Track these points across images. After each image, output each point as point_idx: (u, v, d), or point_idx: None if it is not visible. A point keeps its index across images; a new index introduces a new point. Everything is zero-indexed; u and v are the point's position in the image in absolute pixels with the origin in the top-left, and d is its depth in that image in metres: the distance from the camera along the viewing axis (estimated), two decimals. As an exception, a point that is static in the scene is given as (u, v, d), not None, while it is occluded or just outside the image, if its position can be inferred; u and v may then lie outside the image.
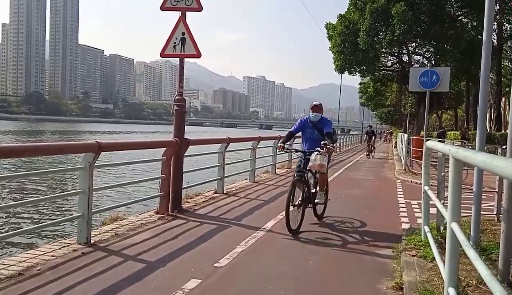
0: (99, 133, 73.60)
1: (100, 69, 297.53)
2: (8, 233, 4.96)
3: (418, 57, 26.88)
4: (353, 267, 4.64)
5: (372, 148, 24.05)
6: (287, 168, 14.79)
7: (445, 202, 4.84)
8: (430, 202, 4.99)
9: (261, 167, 13.00)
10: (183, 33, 6.92)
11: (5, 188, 15.21)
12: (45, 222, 8.53)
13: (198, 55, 6.96)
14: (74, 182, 17.50)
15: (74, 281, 3.87)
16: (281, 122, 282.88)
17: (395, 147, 30.43)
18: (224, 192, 9.12)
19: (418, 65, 24.35)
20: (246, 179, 11.33)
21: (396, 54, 26.15)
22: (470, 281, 3.67)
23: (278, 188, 10.34)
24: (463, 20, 23.38)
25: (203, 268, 4.34)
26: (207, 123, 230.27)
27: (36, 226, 5.82)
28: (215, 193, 8.99)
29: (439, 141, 8.99)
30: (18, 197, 14.00)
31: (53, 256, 4.52)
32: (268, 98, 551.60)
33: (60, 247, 4.86)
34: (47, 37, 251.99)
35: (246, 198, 8.73)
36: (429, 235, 4.58)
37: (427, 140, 7.39)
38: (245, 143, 11.70)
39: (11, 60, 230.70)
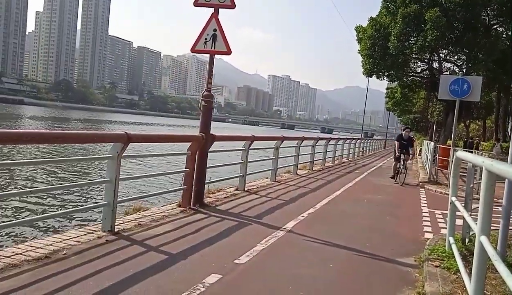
0: (124, 123, 74.79)
1: (127, 61, 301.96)
2: (38, 217, 5.10)
3: (449, 65, 26.35)
4: (374, 274, 4.60)
5: (403, 168, 13.46)
6: (309, 169, 14.73)
7: (472, 213, 4.75)
8: (457, 213, 4.91)
9: (283, 167, 12.98)
10: (215, 30, 6.96)
11: (35, 173, 15.63)
12: (72, 208, 8.75)
13: (228, 52, 6.99)
14: (94, 171, 17.87)
15: (98, 267, 3.96)
16: (303, 122, 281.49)
17: (419, 155, 29.91)
18: (245, 189, 9.15)
19: (448, 73, 23.85)
20: (267, 178, 11.34)
21: (426, 60, 25.68)
22: (496, 297, 3.59)
23: (299, 189, 10.31)
24: (498, 29, 22.78)
25: (224, 264, 4.37)
26: (230, 119, 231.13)
27: (64, 211, 5.97)
28: (237, 189, 9.03)
29: (465, 150, 8.76)
30: (46, 182, 14.39)
31: (78, 242, 4.63)
32: (292, 98, 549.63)
33: (85, 233, 4.97)
34: (79, 26, 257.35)
35: (267, 197, 8.74)
36: (453, 246, 4.50)
37: (455, 150, 7.25)
38: (268, 142, 11.71)
39: (42, 47, 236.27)
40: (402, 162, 13.42)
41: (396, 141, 13.87)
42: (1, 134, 3.95)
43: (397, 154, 13.53)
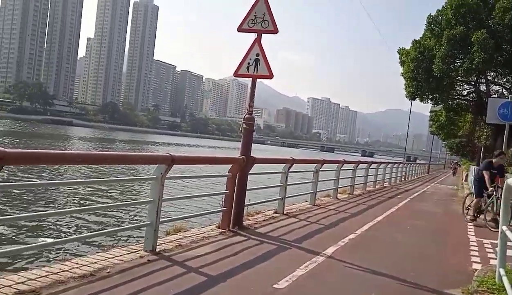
0: (166, 145, 76.72)
1: (171, 84, 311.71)
2: (84, 235, 5.29)
3: (497, 88, 25.46)
4: (418, 305, 4.42)
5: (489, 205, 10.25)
6: (349, 193, 14.48)
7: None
8: (508, 243, 4.67)
9: (323, 190, 12.83)
10: (258, 55, 7.09)
11: (83, 192, 16.26)
12: (116, 227, 9.03)
13: (270, 76, 7.09)
14: (134, 191, 18.35)
15: (140, 287, 4.04)
16: (343, 145, 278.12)
17: (466, 180, 28.74)
18: (284, 212, 9.10)
19: (497, 96, 23.02)
20: (306, 201, 11.24)
21: (473, 83, 24.96)
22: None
23: (339, 213, 10.14)
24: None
25: (263, 288, 4.34)
26: (269, 141, 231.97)
27: (108, 230, 6.18)
28: (275, 212, 8.99)
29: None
30: (93, 201, 14.92)
31: (122, 260, 4.75)
32: (332, 120, 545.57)
33: (128, 252, 5.09)
34: (126, 51, 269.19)
35: (306, 221, 8.65)
36: (504, 278, 4.27)
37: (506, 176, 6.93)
38: (308, 165, 11.63)
39: (92, 72, 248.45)
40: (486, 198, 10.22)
41: (485, 172, 9.85)
42: (57, 156, 4.18)
43: (489, 188, 9.84)
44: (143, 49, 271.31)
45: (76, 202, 14.62)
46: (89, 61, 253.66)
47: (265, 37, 7.13)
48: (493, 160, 10.15)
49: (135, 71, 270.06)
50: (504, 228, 4.61)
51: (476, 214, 10.52)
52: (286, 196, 9.31)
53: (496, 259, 4.99)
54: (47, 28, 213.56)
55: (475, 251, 7.34)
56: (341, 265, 5.57)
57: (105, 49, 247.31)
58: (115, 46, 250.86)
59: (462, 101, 28.17)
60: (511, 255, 5.05)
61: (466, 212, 11.16)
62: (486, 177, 9.81)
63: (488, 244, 7.93)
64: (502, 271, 4.54)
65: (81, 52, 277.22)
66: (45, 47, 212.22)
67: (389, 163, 22.78)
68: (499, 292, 4.40)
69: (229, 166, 7.04)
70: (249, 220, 7.86)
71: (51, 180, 17.67)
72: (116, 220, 12.13)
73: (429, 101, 26.37)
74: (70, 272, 4.23)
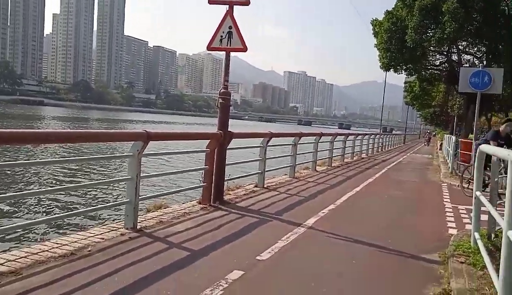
0: (143, 123, 75.56)
1: (143, 60, 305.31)
2: (62, 214, 5.20)
3: (468, 57, 25.92)
4: (398, 270, 4.55)
5: None
6: (328, 165, 14.65)
7: (498, 208, 4.66)
8: (482, 208, 4.81)
9: (301, 163, 12.93)
10: (230, 27, 6.95)
11: (57, 173, 15.94)
12: (95, 205, 8.91)
13: (244, 49, 6.98)
14: (114, 170, 18.14)
15: (122, 264, 4.01)
16: (320, 119, 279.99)
17: (440, 149, 29.49)
18: (265, 186, 9.14)
19: (468, 65, 23.43)
20: (285, 174, 11.32)
21: (445, 53, 25.31)
22: (525, 293, 3.51)
23: (318, 185, 10.26)
24: (519, 19, 22.25)
25: (246, 260, 4.37)
26: (246, 117, 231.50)
27: (87, 209, 6.09)
28: (256, 186, 9.02)
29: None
30: (69, 181, 14.68)
31: (102, 239, 4.70)
32: (308, 94, 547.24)
33: (109, 230, 5.03)
34: (95, 28, 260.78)
35: (286, 193, 8.72)
36: (479, 242, 4.42)
37: (479, 144, 7.10)
38: (286, 138, 11.66)
39: (60, 49, 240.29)
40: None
41: (492, 142, 8.56)
42: (30, 135, 4.04)
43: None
44: (112, 25, 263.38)
45: (54, 182, 14.37)
46: (56, 39, 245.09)
47: (239, 11, 7.00)
48: (500, 129, 9.32)
49: (106, 47, 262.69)
50: (478, 193, 4.75)
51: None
52: (266, 169, 9.35)
53: (471, 224, 5.15)
54: (9, 4, 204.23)
55: (451, 217, 7.57)
56: (322, 235, 5.66)
57: (73, 25, 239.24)
58: (82, 21, 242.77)
59: (435, 71, 28.59)
60: (485, 220, 5.21)
61: (466, 186, 10.22)
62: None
63: (463, 209, 8.18)
64: (476, 235, 4.70)
65: (47, 29, 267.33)
66: (8, 24, 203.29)
67: (366, 134, 23.08)
68: (474, 254, 4.56)
69: (207, 141, 6.99)
70: (229, 194, 7.87)
71: (27, 160, 17.24)
72: (95, 199, 11.98)
73: (403, 72, 26.66)
74: (50, 252, 4.15)
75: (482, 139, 9.79)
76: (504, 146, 8.50)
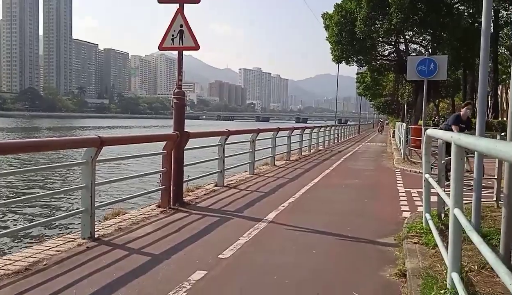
0: (96, 129, 73.34)
1: (94, 64, 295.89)
2: (14, 229, 4.98)
3: (415, 46, 26.86)
4: (356, 256, 4.69)
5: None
6: (286, 160, 14.83)
7: (446, 189, 4.90)
8: (431, 190, 5.04)
9: (260, 159, 13.03)
10: (181, 26, 6.90)
11: (6, 185, 15.21)
12: (49, 216, 8.58)
13: (196, 47, 6.95)
14: (70, 178, 17.54)
15: (80, 275, 3.91)
16: (278, 114, 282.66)
17: (393, 137, 30.51)
18: (225, 184, 9.15)
19: (415, 54, 24.34)
20: (245, 171, 11.37)
21: (393, 43, 26.12)
22: (472, 266, 3.72)
23: (278, 180, 10.38)
24: (460, 8, 23.32)
25: (208, 260, 4.37)
26: (204, 116, 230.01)
27: (40, 221, 5.86)
28: (216, 185, 9.02)
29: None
30: (20, 193, 14.04)
31: (59, 251, 4.55)
32: (265, 90, 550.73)
33: (65, 242, 4.88)
34: (41, 32, 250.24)
35: (246, 190, 8.77)
36: (430, 222, 4.63)
37: (425, 129, 7.41)
38: (244, 136, 11.72)
39: (4, 56, 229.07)
40: None
41: (454, 127, 9.04)
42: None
43: None
44: (59, 29, 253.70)
45: (5, 194, 13.71)
46: (0, 46, 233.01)
47: (190, 9, 6.95)
48: (461, 113, 9.52)
49: (53, 52, 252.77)
50: (427, 176, 4.98)
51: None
52: (225, 168, 9.36)
53: (422, 206, 5.39)
54: None
55: (404, 200, 7.89)
56: (282, 228, 5.74)
57: (16, 31, 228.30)
58: (27, 27, 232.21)
59: (385, 62, 29.46)
60: (434, 201, 5.46)
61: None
62: (455, 131, 8.48)
63: (415, 193, 8.55)
64: (428, 216, 4.93)
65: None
66: None
67: (322, 126, 23.53)
68: (426, 235, 4.78)
69: (164, 143, 6.91)
70: (189, 195, 7.82)
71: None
72: (49, 210, 11.55)
73: (355, 63, 27.30)
74: (3, 269, 3.98)
75: (444, 124, 9.99)
76: (465, 130, 8.82)
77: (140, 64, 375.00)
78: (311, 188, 9.23)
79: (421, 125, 13.93)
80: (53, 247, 4.67)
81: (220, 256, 4.51)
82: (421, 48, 25.83)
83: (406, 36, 25.01)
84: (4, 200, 12.34)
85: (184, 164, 7.26)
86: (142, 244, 4.90)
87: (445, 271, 3.49)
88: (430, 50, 21.77)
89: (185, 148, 7.30)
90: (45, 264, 4.15)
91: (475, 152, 4.41)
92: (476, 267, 3.72)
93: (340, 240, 5.27)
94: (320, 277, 4.04)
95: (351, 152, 20.55)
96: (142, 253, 4.61)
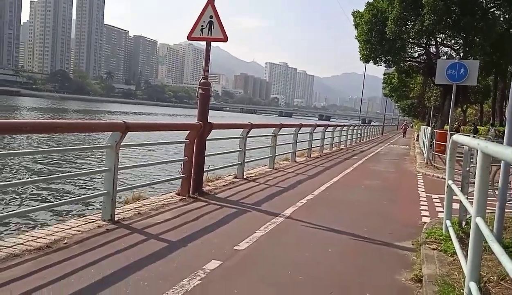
0: (123, 114, 74.53)
1: (124, 50, 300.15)
2: (37, 207, 5.13)
3: (446, 49, 26.26)
4: (372, 257, 4.66)
5: None
6: (307, 156, 14.77)
7: (469, 197, 4.80)
8: (453, 197, 4.95)
9: (281, 154, 13.01)
10: (211, 17, 6.93)
11: (33, 164, 15.66)
12: (72, 197, 8.80)
13: (225, 39, 6.97)
14: (92, 161, 17.92)
15: (99, 256, 4.00)
16: (301, 110, 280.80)
17: (417, 140, 30.00)
18: (244, 177, 9.19)
19: (445, 57, 23.81)
20: (265, 165, 11.38)
21: (423, 45, 25.59)
22: (491, 277, 3.65)
23: (297, 176, 10.36)
24: (495, 12, 22.67)
25: (224, 250, 4.42)
26: (227, 108, 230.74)
27: (63, 201, 6.02)
28: (235, 177, 9.06)
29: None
30: (45, 172, 14.44)
31: (79, 231, 4.67)
32: (289, 85, 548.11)
33: (86, 222, 5.00)
34: (74, 16, 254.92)
35: (265, 184, 8.79)
36: (450, 229, 4.55)
37: (451, 134, 7.27)
38: (266, 130, 11.72)
39: (37, 38, 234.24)
40: None
41: None
42: (2, 125, 3.96)
43: None
44: (92, 13, 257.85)
45: (29, 173, 14.12)
46: (34, 27, 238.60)
47: (220, 1, 6.97)
48: None
49: (85, 36, 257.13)
50: (450, 182, 4.88)
51: None
52: (246, 160, 9.39)
53: (443, 212, 5.30)
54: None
55: (425, 205, 7.77)
56: (299, 225, 5.74)
57: (51, 13, 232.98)
58: (61, 9, 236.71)
59: (414, 63, 28.90)
60: (456, 208, 5.37)
61: None
62: None
63: (436, 198, 8.40)
64: (448, 223, 4.84)
65: (25, 16, 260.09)
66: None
67: (345, 125, 23.32)
68: (445, 242, 4.70)
69: (187, 132, 6.98)
70: (209, 185, 7.89)
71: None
72: (72, 190, 11.84)
73: (382, 63, 26.86)
74: (25, 245, 4.11)
75: None
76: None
77: (168, 52, 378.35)
78: (330, 186, 9.18)
79: (447, 130, 13.65)
80: (74, 227, 4.79)
81: (236, 247, 4.54)
82: (452, 51, 25.21)
83: (438, 39, 24.46)
84: (26, 178, 12.73)
85: (205, 153, 7.32)
86: (160, 230, 4.98)
87: (462, 279, 3.44)
88: (461, 54, 21.26)
89: (207, 138, 7.35)
90: (65, 243, 4.27)
91: (502, 161, 4.31)
92: (495, 278, 3.64)
93: (356, 240, 5.24)
94: (334, 276, 4.03)
95: (373, 152, 20.31)
96: (159, 239, 4.69)
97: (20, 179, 12.33)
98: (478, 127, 31.12)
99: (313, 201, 7.42)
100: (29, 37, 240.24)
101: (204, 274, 3.76)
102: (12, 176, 13.57)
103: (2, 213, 8.16)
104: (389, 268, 4.29)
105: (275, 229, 5.40)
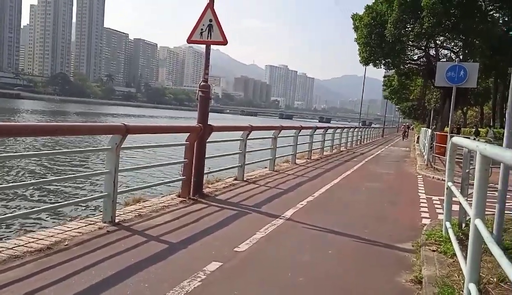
0: (123, 116, 74.55)
1: (124, 53, 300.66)
2: (39, 208, 5.14)
3: (445, 52, 26.33)
4: (372, 259, 4.67)
5: None
6: (307, 158, 14.78)
7: (469, 198, 4.81)
8: (453, 199, 4.96)
9: (281, 156, 13.02)
10: (211, 20, 6.95)
11: (34, 166, 15.67)
12: (72, 199, 8.82)
13: (224, 42, 6.99)
14: (93, 164, 17.93)
15: (100, 257, 4.02)
16: (301, 112, 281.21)
17: (417, 142, 30.00)
18: (244, 179, 9.20)
19: (445, 60, 23.85)
20: (266, 167, 11.39)
21: (423, 47, 25.66)
22: (491, 279, 3.66)
23: (297, 178, 10.37)
24: (495, 15, 22.72)
25: (224, 252, 4.43)
26: (228, 110, 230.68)
27: (64, 203, 6.03)
28: (235, 179, 9.07)
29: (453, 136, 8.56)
30: (46, 175, 14.46)
31: (80, 233, 4.68)
32: (290, 88, 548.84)
33: (86, 224, 5.02)
34: (74, 19, 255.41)
35: (265, 186, 8.80)
36: (450, 231, 4.56)
37: (451, 136, 7.28)
38: (266, 132, 11.72)
39: (38, 41, 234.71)
40: None
41: None
42: (2, 128, 3.98)
43: None
44: (92, 16, 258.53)
45: (30, 175, 14.13)
46: (34, 30, 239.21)
47: (219, 3, 6.99)
48: None
49: (85, 39, 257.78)
50: (450, 184, 4.90)
51: None
52: (246, 162, 9.40)
53: (443, 214, 5.31)
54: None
55: (425, 207, 7.78)
56: (299, 226, 5.75)
57: (51, 16, 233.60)
58: (61, 12, 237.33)
59: (413, 66, 28.98)
60: (456, 210, 5.38)
61: None
62: None
63: (436, 200, 8.41)
64: (448, 224, 4.85)
65: (25, 20, 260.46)
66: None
67: (345, 127, 23.33)
68: (445, 243, 4.71)
69: (187, 134, 6.99)
70: (209, 187, 7.90)
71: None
72: (73, 193, 11.84)
73: (382, 66, 26.95)
74: (26, 246, 4.12)
75: None
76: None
77: (168, 55, 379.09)
78: (330, 188, 9.19)
79: (447, 132, 13.66)
80: (75, 229, 4.80)
81: (236, 249, 4.56)
82: (452, 54, 25.27)
83: (437, 41, 24.53)
84: (27, 181, 12.74)
85: (205, 156, 7.33)
86: (161, 232, 4.99)
87: (462, 281, 3.45)
88: (461, 57, 21.30)
89: (207, 140, 7.37)
90: (66, 245, 4.28)
91: (501, 164, 4.32)
92: (495, 279, 3.65)
93: (357, 242, 5.25)
94: (334, 278, 4.04)
95: (374, 154, 20.33)
96: (160, 240, 4.70)
97: (22, 181, 12.34)
98: (479, 129, 31.13)
99: (313, 203, 7.43)
100: (29, 40, 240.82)
101: (204, 275, 3.77)
102: (14, 178, 13.59)
103: (3, 214, 8.17)
104: (389, 270, 4.30)
105: (276, 231, 5.41)
